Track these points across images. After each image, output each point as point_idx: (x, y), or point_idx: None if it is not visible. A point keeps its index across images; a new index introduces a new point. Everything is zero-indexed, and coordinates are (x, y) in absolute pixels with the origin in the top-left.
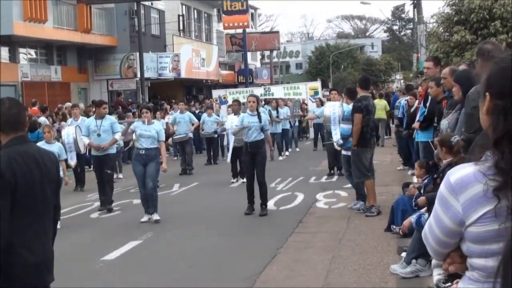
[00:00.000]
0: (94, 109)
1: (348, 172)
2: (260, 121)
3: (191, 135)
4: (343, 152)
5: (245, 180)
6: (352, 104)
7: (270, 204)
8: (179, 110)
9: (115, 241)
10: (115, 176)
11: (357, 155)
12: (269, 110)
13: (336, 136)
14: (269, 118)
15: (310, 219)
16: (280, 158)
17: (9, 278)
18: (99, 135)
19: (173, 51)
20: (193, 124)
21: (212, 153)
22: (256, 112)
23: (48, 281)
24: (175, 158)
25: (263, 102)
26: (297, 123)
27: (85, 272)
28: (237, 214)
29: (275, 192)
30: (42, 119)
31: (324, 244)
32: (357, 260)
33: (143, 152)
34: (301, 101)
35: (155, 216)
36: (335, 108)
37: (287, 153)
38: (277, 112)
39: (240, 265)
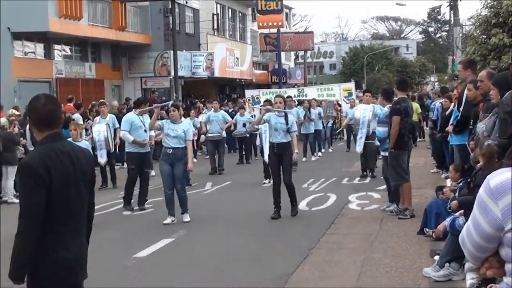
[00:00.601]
0: (133, 106)
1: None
2: (287, 123)
3: (224, 134)
4: (382, 153)
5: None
6: (388, 105)
7: (302, 205)
8: (213, 109)
9: (147, 238)
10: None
11: (395, 158)
12: (303, 109)
13: (360, 141)
14: (301, 119)
15: (342, 220)
16: (313, 158)
17: (43, 275)
18: (145, 131)
19: (207, 50)
20: (226, 123)
21: (244, 153)
22: (283, 113)
23: (81, 278)
24: (208, 156)
25: (296, 102)
26: (330, 124)
27: (117, 268)
28: (269, 214)
29: (307, 192)
30: (76, 116)
31: (356, 246)
32: (389, 263)
33: (171, 151)
34: (335, 102)
35: (186, 217)
36: (366, 112)
37: (320, 153)
38: (309, 113)
39: (272, 265)
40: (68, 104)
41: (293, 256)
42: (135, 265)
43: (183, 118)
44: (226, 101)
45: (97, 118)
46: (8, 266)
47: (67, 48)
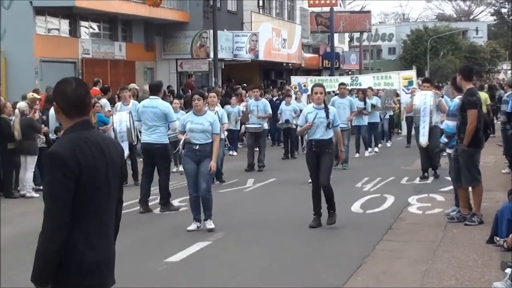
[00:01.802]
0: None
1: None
2: (328, 116)
3: (266, 126)
4: (448, 150)
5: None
6: (458, 97)
7: (356, 207)
8: (253, 98)
9: (180, 241)
10: (175, 169)
11: (470, 157)
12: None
13: (423, 131)
14: (354, 109)
15: (401, 225)
16: (367, 154)
17: (67, 277)
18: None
19: (251, 30)
20: (266, 113)
21: (290, 147)
22: (323, 105)
23: (108, 283)
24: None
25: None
26: (387, 115)
27: (146, 274)
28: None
29: (361, 193)
30: (103, 101)
31: (416, 255)
32: (454, 275)
33: (197, 147)
34: (394, 92)
35: (209, 224)
36: (427, 98)
37: (376, 149)
38: (365, 104)
39: (322, 275)
40: (94, 88)
41: (346, 265)
42: (167, 270)
43: (217, 107)
44: (271, 87)
45: (118, 105)
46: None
47: (94, 25)
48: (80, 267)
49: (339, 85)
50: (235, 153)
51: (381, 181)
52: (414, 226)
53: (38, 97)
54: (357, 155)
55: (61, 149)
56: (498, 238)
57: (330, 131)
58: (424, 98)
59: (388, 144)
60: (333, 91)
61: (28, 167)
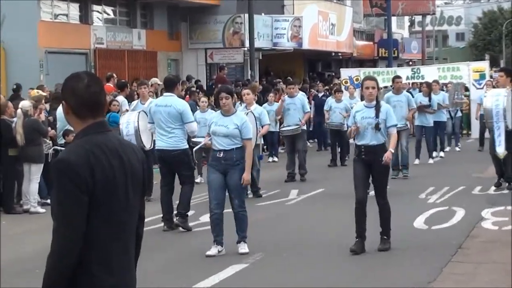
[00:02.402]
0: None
1: None
2: (377, 116)
3: (304, 127)
4: None
5: None
6: None
7: (419, 222)
8: (287, 94)
9: (211, 263)
10: (198, 179)
11: None
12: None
13: (499, 139)
14: (413, 106)
15: (473, 244)
16: (431, 161)
17: None
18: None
19: (293, 14)
20: (305, 113)
21: (340, 151)
22: (374, 103)
23: None
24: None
25: (409, 85)
26: (459, 113)
27: None
28: (375, 234)
29: (426, 205)
30: (120, 99)
31: (491, 279)
32: None
33: (221, 155)
34: (463, 86)
35: (242, 248)
36: (499, 99)
37: (441, 153)
38: (429, 100)
39: None
40: (107, 84)
41: None
42: None
43: (253, 106)
44: (317, 82)
45: (134, 103)
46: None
47: (109, 10)
48: None
49: (394, 78)
50: (276, 159)
51: (449, 191)
52: (488, 244)
53: (44, 94)
54: (417, 161)
55: (72, 156)
56: None
57: (382, 134)
58: (497, 99)
59: (457, 148)
60: (391, 86)
61: (33, 177)
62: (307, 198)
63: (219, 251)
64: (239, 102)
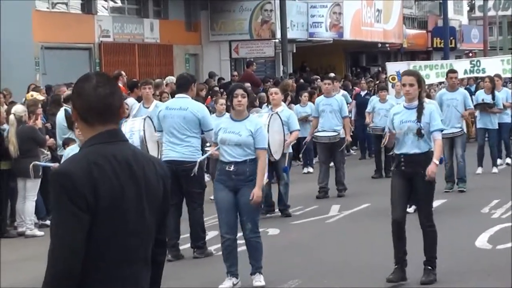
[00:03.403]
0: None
1: None
2: (419, 119)
3: (342, 133)
4: None
5: None
6: None
7: (482, 241)
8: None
9: None
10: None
11: None
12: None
13: None
14: (470, 107)
15: None
16: (495, 170)
17: None
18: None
19: None
20: (344, 118)
21: (385, 160)
22: (416, 103)
23: None
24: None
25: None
26: None
27: None
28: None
29: (490, 221)
30: (130, 101)
31: None
32: None
33: (232, 168)
34: None
35: (258, 281)
36: None
37: (508, 160)
38: (493, 98)
39: None
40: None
41: None
42: None
43: (281, 107)
44: (362, 77)
45: (135, 107)
46: None
47: None
48: None
49: (448, 73)
50: (311, 170)
51: None
52: None
53: (41, 98)
54: (479, 170)
55: (72, 168)
56: None
57: (428, 141)
58: None
59: None
60: (445, 82)
61: (28, 194)
62: (350, 214)
63: (234, 284)
64: (266, 103)
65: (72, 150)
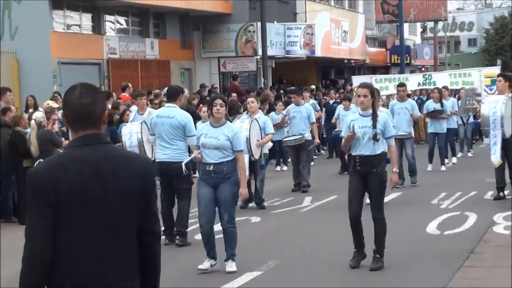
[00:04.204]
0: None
1: None
2: (374, 126)
3: (308, 136)
4: None
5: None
6: None
7: (432, 227)
8: (293, 104)
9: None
10: None
11: None
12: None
13: (494, 148)
14: (417, 114)
15: (485, 249)
16: (443, 168)
17: None
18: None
19: (306, 22)
20: (311, 124)
21: (348, 159)
22: (370, 111)
23: None
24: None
25: (418, 92)
26: (471, 119)
27: None
28: (389, 237)
29: (438, 211)
30: (134, 109)
31: (502, 284)
32: None
33: (211, 168)
34: (474, 91)
35: (230, 266)
36: (497, 106)
37: (454, 160)
38: (441, 105)
39: None
40: (123, 93)
41: None
42: None
43: (258, 114)
44: (330, 88)
45: (133, 114)
46: None
47: (122, 20)
48: None
49: (398, 86)
50: (285, 168)
51: (461, 196)
52: (501, 249)
53: (56, 105)
54: (429, 167)
55: (39, 169)
56: None
57: (380, 144)
58: (494, 106)
59: (470, 154)
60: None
61: None
62: (320, 205)
63: (212, 265)
64: (246, 111)
65: None
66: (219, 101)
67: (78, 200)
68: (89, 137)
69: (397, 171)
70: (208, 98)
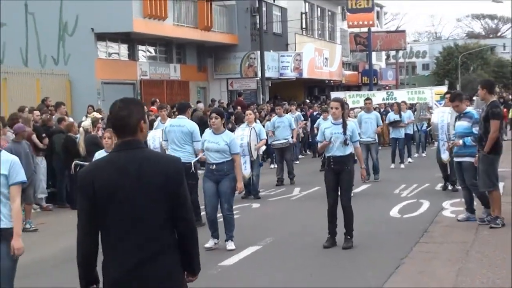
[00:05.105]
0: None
1: (462, 181)
2: (345, 132)
3: (291, 141)
4: (467, 159)
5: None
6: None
7: (394, 212)
8: (276, 115)
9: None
10: None
11: (491, 163)
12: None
13: (443, 148)
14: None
15: (436, 228)
16: (402, 165)
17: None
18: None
19: (295, 50)
20: (292, 130)
21: (323, 159)
22: (340, 121)
23: None
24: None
25: (383, 106)
26: (424, 127)
27: (202, 277)
28: (360, 220)
29: (399, 199)
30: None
31: (450, 256)
32: (485, 273)
33: (213, 167)
34: (427, 105)
35: (230, 245)
36: (444, 116)
37: (409, 159)
38: (400, 116)
39: (362, 274)
40: (152, 106)
41: (385, 266)
42: (221, 274)
43: (254, 124)
44: (314, 103)
45: (156, 123)
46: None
47: (151, 49)
48: (108, 284)
49: (365, 100)
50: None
51: (417, 187)
52: (448, 228)
53: (100, 116)
54: (392, 165)
55: (83, 171)
56: None
57: (349, 147)
58: (442, 115)
59: (424, 154)
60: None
61: None
62: (307, 194)
63: (215, 243)
64: (246, 122)
65: (100, 154)
66: (213, 114)
67: (109, 195)
68: (124, 144)
69: (365, 167)
70: None
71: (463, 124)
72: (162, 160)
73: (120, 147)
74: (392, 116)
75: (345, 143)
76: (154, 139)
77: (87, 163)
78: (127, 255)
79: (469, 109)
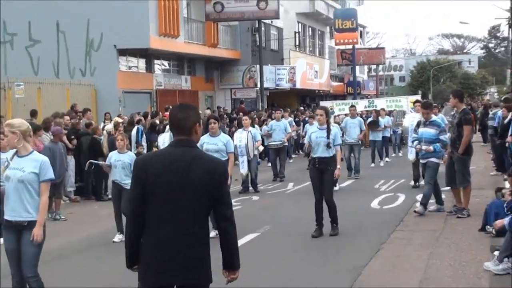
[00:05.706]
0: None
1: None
2: (328, 137)
3: (286, 143)
4: (435, 160)
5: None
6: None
7: (374, 203)
8: (275, 119)
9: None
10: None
11: (464, 164)
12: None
13: (411, 149)
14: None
15: (410, 218)
16: (381, 164)
17: (139, 273)
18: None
19: (290, 64)
20: (287, 133)
21: (309, 160)
22: (325, 126)
23: (178, 281)
24: (292, 160)
25: (365, 112)
26: (400, 131)
27: None
28: (344, 211)
29: (378, 192)
30: None
31: (423, 241)
32: (453, 257)
33: None
34: (403, 112)
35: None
36: (414, 121)
37: (387, 159)
38: (378, 122)
39: (347, 258)
40: (166, 113)
41: (366, 250)
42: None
43: (250, 128)
44: (305, 109)
45: (167, 127)
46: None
47: (165, 63)
48: (146, 266)
49: (350, 107)
50: (291, 160)
51: (394, 183)
52: (421, 218)
53: (121, 120)
54: (372, 164)
55: (138, 158)
56: (489, 227)
57: (332, 149)
58: (412, 120)
59: (400, 154)
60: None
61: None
62: (299, 188)
63: (216, 234)
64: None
65: (113, 154)
66: (212, 120)
67: (158, 182)
68: (179, 141)
69: (340, 167)
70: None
71: (430, 131)
72: (209, 161)
73: (175, 144)
74: (370, 119)
75: (328, 146)
76: (164, 142)
77: (100, 162)
78: (165, 243)
79: (435, 118)
